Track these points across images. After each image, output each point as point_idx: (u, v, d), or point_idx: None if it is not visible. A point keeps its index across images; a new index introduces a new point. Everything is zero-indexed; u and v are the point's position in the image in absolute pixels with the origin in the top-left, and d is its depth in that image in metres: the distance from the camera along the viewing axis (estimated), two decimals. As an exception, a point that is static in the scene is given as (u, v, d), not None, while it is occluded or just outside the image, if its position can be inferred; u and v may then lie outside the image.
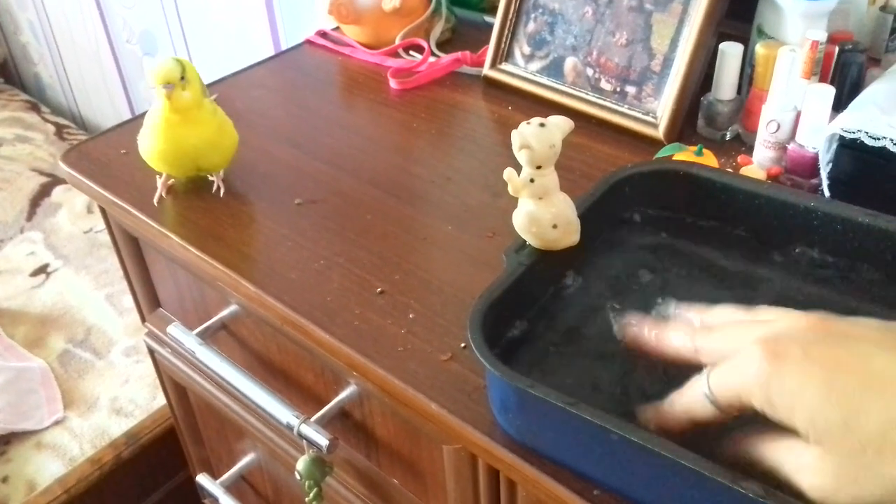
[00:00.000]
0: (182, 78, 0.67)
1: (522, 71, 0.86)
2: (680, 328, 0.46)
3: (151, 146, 0.71)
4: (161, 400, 1.23)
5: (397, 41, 0.94)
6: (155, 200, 0.72)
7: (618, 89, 0.79)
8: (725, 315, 0.46)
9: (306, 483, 0.70)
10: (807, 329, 0.41)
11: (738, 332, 0.43)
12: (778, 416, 0.39)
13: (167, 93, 0.67)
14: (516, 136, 0.53)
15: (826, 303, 0.55)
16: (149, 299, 0.89)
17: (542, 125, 0.53)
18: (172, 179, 0.74)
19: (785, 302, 0.56)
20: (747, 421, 0.41)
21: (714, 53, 0.74)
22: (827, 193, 0.64)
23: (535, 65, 0.85)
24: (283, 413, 0.68)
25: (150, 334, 0.92)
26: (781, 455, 0.39)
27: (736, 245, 0.60)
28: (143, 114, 0.86)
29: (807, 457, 0.38)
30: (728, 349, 0.42)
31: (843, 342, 0.40)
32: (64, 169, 0.79)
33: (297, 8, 1.35)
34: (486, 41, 0.88)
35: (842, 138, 0.62)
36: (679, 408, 0.44)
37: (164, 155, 0.71)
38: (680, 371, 0.45)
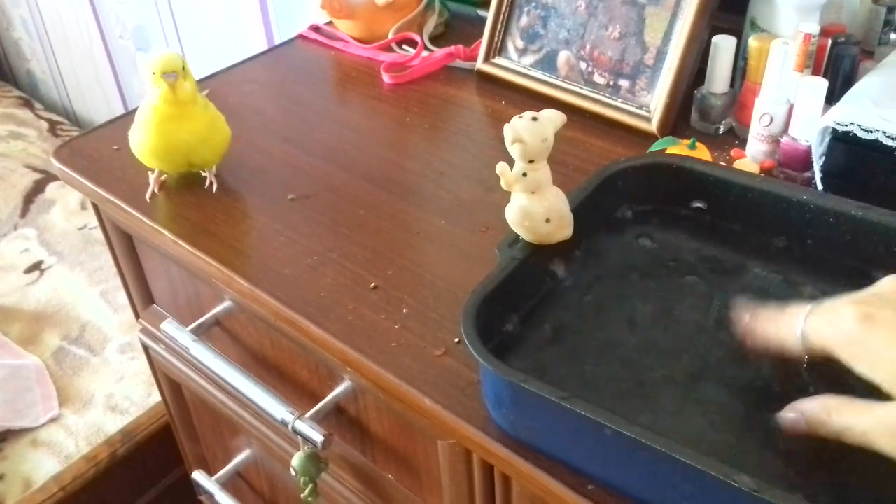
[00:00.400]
0: (183, 68, 0.67)
1: (516, 65, 0.86)
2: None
3: (143, 142, 0.70)
4: (156, 397, 1.23)
5: (390, 35, 0.94)
6: (147, 196, 0.72)
7: (611, 83, 0.79)
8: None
9: (301, 479, 0.70)
10: None
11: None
12: (862, 370, 0.41)
13: (171, 81, 0.66)
14: (508, 130, 0.53)
15: (818, 295, 0.55)
16: (143, 296, 0.89)
17: (534, 119, 0.53)
18: (164, 175, 0.74)
19: (782, 293, 0.56)
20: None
21: (707, 47, 0.74)
22: (820, 186, 0.64)
23: (529, 59, 0.85)
24: (277, 409, 0.68)
25: (145, 331, 0.92)
26: (853, 417, 0.41)
27: (729, 238, 0.60)
28: (136, 109, 0.86)
29: (883, 410, 0.40)
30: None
31: None
32: (56, 165, 0.79)
33: (289, 3, 1.35)
34: (480, 35, 0.88)
35: (835, 131, 0.62)
36: (772, 330, 0.46)
37: (155, 150, 0.70)
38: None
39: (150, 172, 0.73)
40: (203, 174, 0.74)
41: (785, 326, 0.46)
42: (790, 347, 0.45)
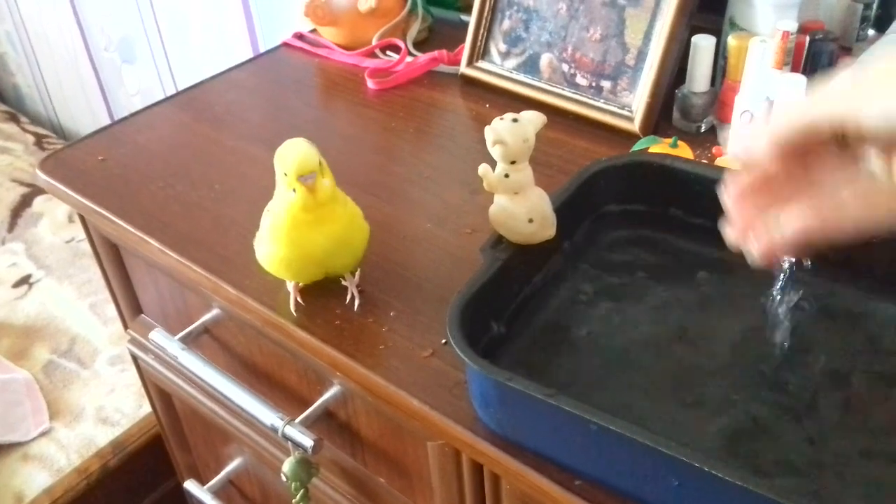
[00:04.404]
0: (320, 164, 0.56)
1: (499, 68, 0.86)
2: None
3: (272, 253, 0.59)
4: (147, 408, 1.22)
5: (374, 41, 0.94)
6: (292, 309, 0.61)
7: (593, 84, 0.80)
8: None
9: (293, 484, 0.70)
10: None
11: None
12: (867, 119, 0.36)
13: (310, 184, 0.55)
14: (489, 132, 0.53)
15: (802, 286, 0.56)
16: (131, 306, 0.89)
17: (514, 120, 0.53)
18: (301, 283, 0.63)
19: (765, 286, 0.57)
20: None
21: (687, 46, 0.75)
22: (801, 182, 0.64)
23: (512, 62, 0.85)
24: (267, 415, 0.68)
25: (133, 341, 0.92)
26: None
27: (711, 235, 0.60)
28: (123, 119, 0.86)
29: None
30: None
31: None
32: (41, 177, 0.79)
33: (274, 10, 1.35)
34: (463, 40, 0.89)
35: (814, 127, 0.62)
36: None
37: (287, 262, 0.59)
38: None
39: (287, 282, 0.63)
40: (343, 283, 0.62)
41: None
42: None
